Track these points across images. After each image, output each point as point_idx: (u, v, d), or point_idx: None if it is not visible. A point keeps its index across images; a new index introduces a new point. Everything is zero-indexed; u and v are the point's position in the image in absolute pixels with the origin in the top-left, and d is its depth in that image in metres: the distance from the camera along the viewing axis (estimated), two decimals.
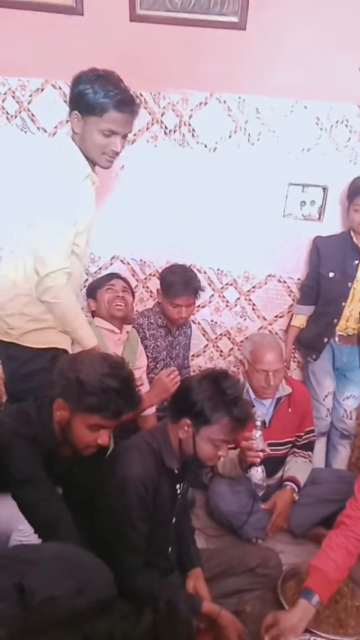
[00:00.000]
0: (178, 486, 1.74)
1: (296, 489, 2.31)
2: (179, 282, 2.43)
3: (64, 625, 0.63)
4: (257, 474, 2.07)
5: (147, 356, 2.50)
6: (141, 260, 2.85)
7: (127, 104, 1.84)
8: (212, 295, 2.87)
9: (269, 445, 2.11)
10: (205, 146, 2.67)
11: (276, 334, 2.85)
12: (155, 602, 1.45)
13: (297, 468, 2.37)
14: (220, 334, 2.94)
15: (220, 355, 2.97)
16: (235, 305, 2.88)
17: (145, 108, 2.63)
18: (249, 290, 2.85)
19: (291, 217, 2.76)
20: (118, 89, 1.81)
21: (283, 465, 2.41)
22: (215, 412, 1.57)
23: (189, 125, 2.65)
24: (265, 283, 2.84)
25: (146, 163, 2.70)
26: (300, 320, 2.73)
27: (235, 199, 2.72)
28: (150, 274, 2.87)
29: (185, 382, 1.69)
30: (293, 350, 2.88)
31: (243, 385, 2.26)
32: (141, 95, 2.59)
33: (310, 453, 2.45)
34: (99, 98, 1.78)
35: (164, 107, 2.64)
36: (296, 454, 2.42)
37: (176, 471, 1.69)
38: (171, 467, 1.67)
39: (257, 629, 1.74)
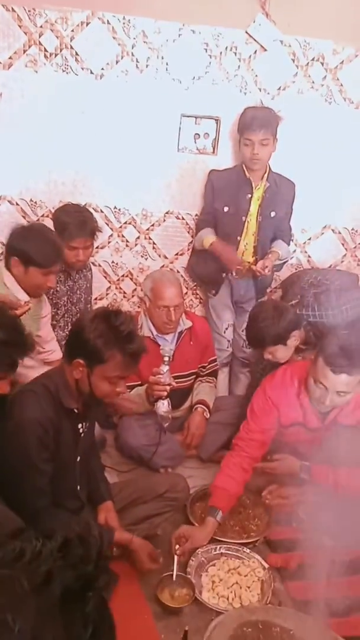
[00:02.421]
0: (80, 425, 1.74)
1: (206, 409, 2.44)
2: (74, 223, 2.30)
3: None
4: (163, 406, 2.14)
5: (49, 302, 2.39)
6: (31, 201, 2.67)
7: None
8: (111, 235, 2.79)
9: (174, 378, 2.16)
10: (91, 72, 2.49)
11: (178, 272, 2.86)
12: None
13: (205, 392, 2.50)
14: (123, 275, 2.89)
15: (124, 297, 2.94)
16: (136, 244, 2.83)
17: (20, 27, 2.37)
18: (148, 229, 2.81)
19: (186, 151, 2.72)
20: None
21: (188, 396, 2.50)
22: (108, 349, 1.55)
23: (71, 48, 2.44)
24: (164, 220, 2.80)
25: (26, 91, 2.47)
26: (209, 240, 2.59)
27: (128, 132, 2.60)
28: (43, 215, 2.70)
29: (77, 321, 1.65)
30: (194, 287, 2.93)
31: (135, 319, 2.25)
32: (13, 10, 2.32)
33: (214, 379, 2.59)
34: None
35: (41, 27, 2.39)
36: (202, 381, 2.54)
37: (76, 411, 1.68)
38: (70, 407, 1.65)
39: (170, 548, 1.86)
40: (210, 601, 1.68)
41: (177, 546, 1.78)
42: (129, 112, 2.57)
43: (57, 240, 2.09)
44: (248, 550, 1.88)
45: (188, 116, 2.65)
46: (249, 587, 1.73)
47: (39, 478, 1.61)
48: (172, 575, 1.71)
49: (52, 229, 2.30)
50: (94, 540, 0.66)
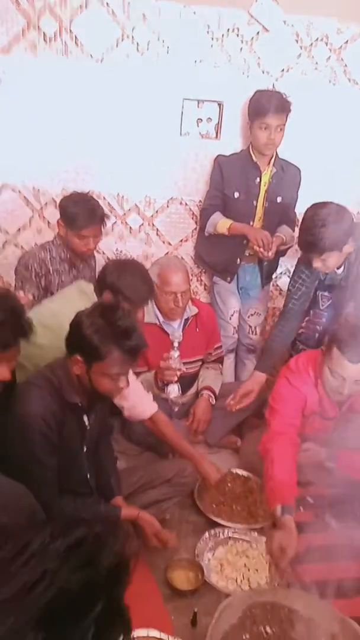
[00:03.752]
0: (86, 418, 1.72)
1: (212, 395, 2.44)
2: (83, 212, 2.26)
3: None
4: (174, 391, 2.18)
5: (52, 293, 2.38)
6: (34, 188, 2.65)
7: None
8: (115, 222, 2.77)
9: None
10: (92, 57, 2.45)
11: (182, 258, 2.84)
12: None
13: (210, 378, 2.49)
14: None
15: None
16: (140, 231, 2.82)
17: (18, 10, 2.33)
18: (152, 215, 2.79)
19: (189, 136, 2.68)
20: None
21: (194, 382, 2.51)
22: (105, 346, 1.52)
23: (71, 32, 2.40)
24: (168, 207, 2.78)
25: (26, 76, 2.44)
26: (226, 224, 2.53)
27: (130, 117, 2.57)
28: (46, 203, 2.69)
29: (76, 316, 1.59)
30: (199, 274, 2.92)
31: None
32: None
33: (220, 365, 2.58)
34: None
35: (39, 10, 2.35)
36: (208, 367, 2.54)
37: (80, 404, 1.66)
38: (73, 401, 1.63)
39: (178, 532, 1.88)
40: (219, 583, 1.70)
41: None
42: (131, 96, 2.54)
43: (150, 278, 2.09)
44: (256, 534, 1.90)
45: (190, 100, 2.61)
46: (257, 570, 1.75)
47: (43, 471, 1.62)
48: (181, 559, 1.73)
49: (61, 218, 2.29)
50: (113, 541, 0.63)
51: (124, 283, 1.95)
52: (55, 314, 1.90)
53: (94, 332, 1.52)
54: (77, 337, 1.55)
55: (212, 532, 1.89)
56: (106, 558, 0.60)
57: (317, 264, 2.07)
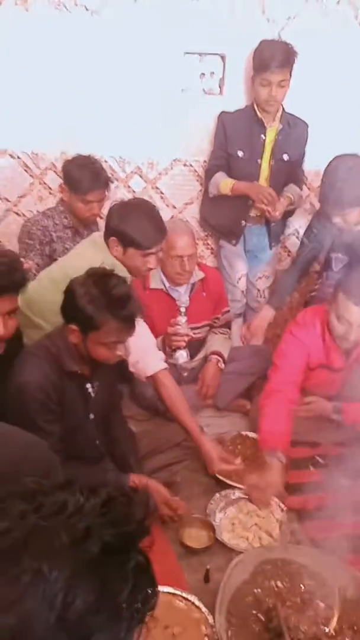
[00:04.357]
0: (89, 385, 1.71)
1: (220, 360, 2.43)
2: (87, 176, 2.20)
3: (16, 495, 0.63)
4: (182, 357, 2.17)
5: (56, 260, 2.35)
6: (33, 153, 2.58)
7: None
8: (117, 186, 2.70)
9: None
10: (86, 9, 2.33)
11: (187, 221, 2.78)
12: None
13: (218, 343, 2.48)
14: None
15: None
16: (143, 195, 2.74)
17: None
18: (154, 178, 2.71)
19: (191, 92, 2.58)
20: None
21: (203, 347, 2.50)
22: (100, 316, 1.49)
23: None
24: (171, 169, 2.70)
25: (17, 32, 2.33)
26: (229, 183, 2.46)
27: (129, 74, 2.47)
28: (45, 168, 2.62)
29: (69, 284, 1.55)
30: (205, 237, 2.86)
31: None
32: None
33: (228, 330, 2.56)
34: None
35: None
36: (215, 332, 2.52)
37: (80, 372, 1.65)
38: (72, 370, 1.62)
39: (189, 494, 1.91)
40: (231, 542, 1.73)
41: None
42: (129, 51, 2.43)
43: (159, 218, 1.92)
44: None
45: (191, 53, 2.49)
46: (268, 528, 1.78)
47: (47, 439, 1.60)
48: (193, 518, 1.76)
49: (64, 182, 2.23)
50: (140, 499, 0.66)
51: (128, 225, 1.82)
52: (64, 269, 1.84)
53: (88, 302, 1.49)
54: (72, 306, 1.53)
55: (223, 493, 1.92)
56: (138, 512, 0.64)
57: (336, 219, 2.04)
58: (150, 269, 1.95)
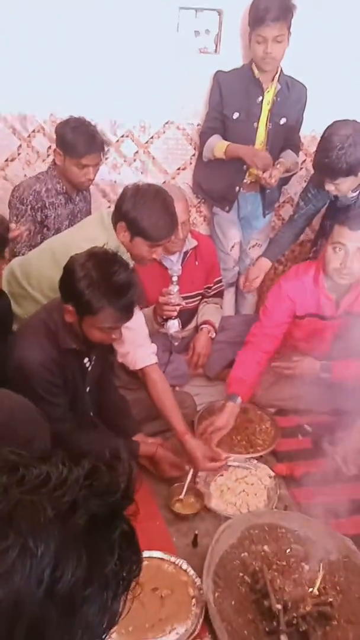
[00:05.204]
0: (86, 360, 1.71)
1: (212, 329, 2.43)
2: (83, 139, 2.11)
3: None
4: (174, 326, 2.16)
5: (49, 227, 2.30)
6: (20, 114, 2.48)
7: None
8: (108, 150, 2.60)
9: None
10: None
11: (180, 187, 2.71)
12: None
13: (210, 312, 2.47)
14: None
15: None
16: (134, 160, 2.67)
17: None
18: (146, 142, 2.63)
19: (185, 51, 2.47)
20: None
21: (194, 317, 2.49)
22: (98, 302, 1.45)
23: None
24: (164, 132, 2.62)
25: None
26: (223, 146, 2.38)
27: (120, 31, 2.35)
28: (34, 131, 2.52)
29: (69, 262, 1.50)
30: (198, 204, 2.80)
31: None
32: None
33: (220, 300, 2.55)
34: None
35: None
36: (207, 302, 2.51)
37: (77, 348, 1.64)
38: (68, 347, 1.61)
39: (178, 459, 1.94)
40: (219, 507, 1.77)
41: (188, 467, 1.82)
42: (120, 5, 2.30)
43: (173, 210, 1.82)
44: (255, 461, 1.96)
45: (186, 8, 2.37)
46: (256, 494, 1.82)
47: (54, 408, 1.63)
48: (182, 485, 1.78)
49: (58, 146, 2.15)
50: (123, 468, 0.65)
51: (141, 214, 1.74)
52: (66, 245, 1.78)
53: (86, 286, 1.45)
54: (70, 287, 1.49)
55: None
56: (122, 481, 0.63)
57: (329, 187, 2.02)
58: (155, 260, 1.89)
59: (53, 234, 2.25)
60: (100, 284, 1.45)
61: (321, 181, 2.06)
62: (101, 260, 1.49)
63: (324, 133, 1.97)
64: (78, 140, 2.10)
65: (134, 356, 1.84)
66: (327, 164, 1.93)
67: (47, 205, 2.24)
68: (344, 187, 2.02)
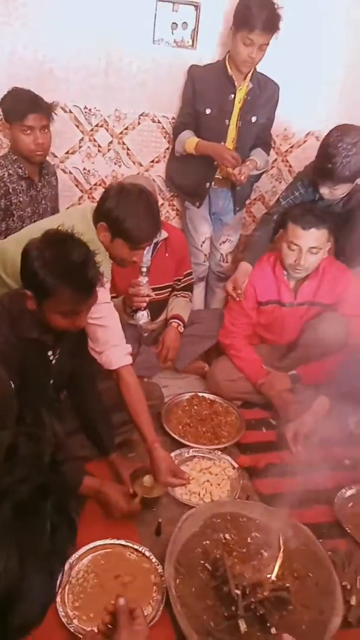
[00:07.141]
0: (50, 353, 1.65)
1: (181, 324, 2.45)
2: (24, 99, 2.06)
3: None
4: (143, 317, 2.16)
5: (13, 214, 2.24)
6: None
7: None
8: (82, 139, 2.60)
9: None
10: None
11: (153, 180, 2.71)
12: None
13: (179, 306, 2.49)
14: (95, 184, 2.73)
15: None
16: (109, 150, 2.65)
17: None
18: (121, 132, 2.61)
19: (162, 44, 2.46)
20: None
21: (164, 309, 2.50)
22: (54, 282, 1.38)
23: None
24: (139, 124, 2.61)
25: None
26: (193, 142, 2.39)
27: (97, 20, 2.33)
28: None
29: (26, 246, 1.44)
30: (171, 198, 2.81)
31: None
32: None
33: (189, 293, 2.57)
34: None
35: None
36: (177, 295, 2.52)
37: (40, 339, 1.58)
38: (29, 336, 1.54)
39: (145, 452, 1.90)
40: (183, 497, 1.79)
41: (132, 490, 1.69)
42: None
43: (157, 211, 1.79)
44: (219, 453, 1.99)
45: (164, 1, 2.37)
46: (219, 485, 1.85)
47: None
48: (144, 469, 1.76)
49: (4, 118, 2.10)
50: (46, 441, 0.62)
51: (123, 216, 1.70)
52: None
53: (41, 266, 1.38)
54: (26, 270, 1.43)
55: (178, 451, 1.97)
56: (45, 460, 0.61)
57: (324, 190, 2.06)
58: (135, 262, 1.86)
59: (16, 224, 2.21)
60: (54, 263, 1.39)
61: (316, 184, 2.09)
62: (55, 240, 1.43)
63: (328, 138, 1.94)
64: (18, 101, 2.09)
65: (109, 356, 1.78)
66: (330, 170, 1.92)
67: (10, 190, 2.18)
68: (339, 192, 2.05)
